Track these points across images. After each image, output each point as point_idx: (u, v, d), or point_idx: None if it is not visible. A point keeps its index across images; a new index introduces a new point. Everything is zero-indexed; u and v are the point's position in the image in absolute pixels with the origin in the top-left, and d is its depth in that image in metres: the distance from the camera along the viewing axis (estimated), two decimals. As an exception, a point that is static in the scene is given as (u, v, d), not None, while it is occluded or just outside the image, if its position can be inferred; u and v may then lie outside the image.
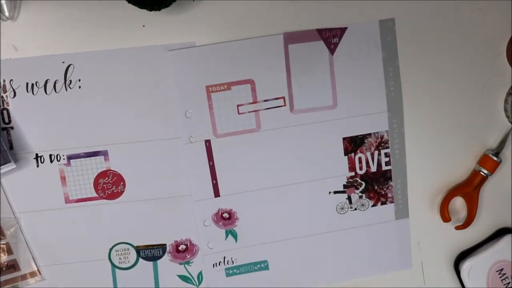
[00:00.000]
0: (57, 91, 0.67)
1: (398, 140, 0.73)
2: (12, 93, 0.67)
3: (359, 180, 0.73)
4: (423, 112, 0.73)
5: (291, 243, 0.74)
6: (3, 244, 0.70)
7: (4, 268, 0.70)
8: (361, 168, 0.73)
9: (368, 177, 0.73)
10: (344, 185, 0.73)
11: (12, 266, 0.71)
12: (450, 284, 0.79)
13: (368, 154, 0.73)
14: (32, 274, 0.71)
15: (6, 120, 0.67)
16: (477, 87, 0.74)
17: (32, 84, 0.67)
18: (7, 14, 0.65)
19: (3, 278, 0.70)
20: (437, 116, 0.73)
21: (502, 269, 0.75)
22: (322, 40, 0.69)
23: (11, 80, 0.67)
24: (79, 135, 0.69)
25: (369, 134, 0.72)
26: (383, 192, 0.74)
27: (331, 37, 0.69)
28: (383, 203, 0.74)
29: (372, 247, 0.76)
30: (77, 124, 0.68)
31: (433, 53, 0.72)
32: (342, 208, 0.74)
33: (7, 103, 0.67)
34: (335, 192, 0.73)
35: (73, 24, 0.66)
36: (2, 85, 0.66)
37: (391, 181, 0.74)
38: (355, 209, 0.74)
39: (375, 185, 0.74)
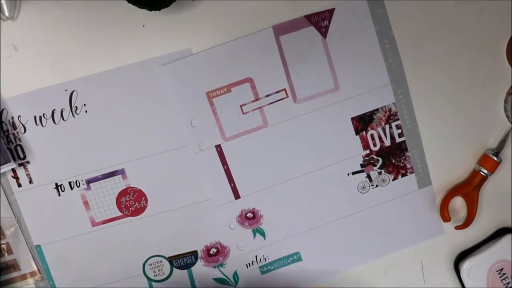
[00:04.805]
0: (65, 119, 0.69)
1: (407, 110, 0.72)
2: (22, 128, 0.69)
3: (375, 157, 0.73)
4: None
5: (320, 231, 0.74)
6: (3, 244, 0.71)
7: (4, 268, 0.72)
8: (375, 145, 0.72)
9: (383, 152, 0.73)
10: (361, 164, 0.73)
11: (12, 266, 0.72)
12: (450, 284, 0.78)
13: (380, 129, 0.72)
14: (32, 274, 0.73)
15: (21, 156, 0.69)
16: (477, 87, 0.73)
17: (40, 117, 0.68)
18: (7, 14, 0.66)
19: (3, 278, 0.72)
20: (437, 116, 0.73)
21: (502, 269, 0.75)
22: (312, 25, 0.69)
23: (19, 116, 0.68)
24: (94, 158, 0.70)
25: (377, 110, 0.72)
26: (401, 164, 0.73)
27: (320, 21, 0.69)
28: (403, 175, 0.73)
29: (401, 220, 0.75)
30: (90, 148, 0.70)
31: (433, 53, 0.72)
32: (364, 188, 0.73)
33: (19, 139, 0.69)
34: (354, 173, 0.73)
35: (73, 23, 0.67)
36: (11, 123, 0.68)
37: (407, 151, 0.73)
38: (377, 185, 0.73)
39: (392, 158, 0.73)
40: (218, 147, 0.71)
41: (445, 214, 0.74)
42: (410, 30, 0.71)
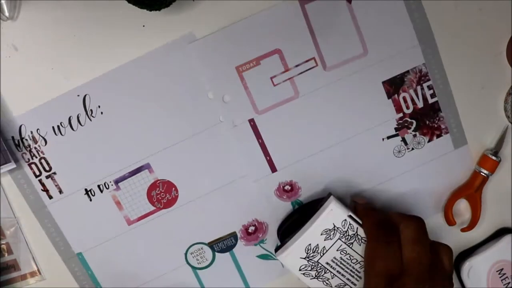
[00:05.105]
0: (82, 124, 0.66)
1: (438, 70, 0.69)
2: (43, 141, 0.66)
3: (409, 120, 0.71)
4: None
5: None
6: (3, 244, 0.70)
7: (4, 268, 0.71)
8: (407, 107, 0.70)
9: (417, 114, 0.71)
10: (395, 128, 0.71)
11: (12, 266, 0.71)
12: (450, 284, 0.81)
13: (411, 91, 0.70)
14: (32, 274, 0.72)
15: (47, 168, 0.66)
16: (477, 87, 0.71)
17: (58, 126, 0.66)
18: (7, 14, 0.63)
19: (3, 278, 0.72)
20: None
21: (502, 269, 0.75)
22: (336, -10, 0.65)
23: (38, 129, 0.65)
24: (117, 158, 0.67)
25: (407, 72, 0.69)
26: (436, 125, 0.72)
27: (345, -15, 0.65)
28: (438, 136, 0.72)
29: (439, 181, 0.74)
30: (112, 148, 0.67)
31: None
32: (399, 151, 0.72)
33: (41, 152, 0.66)
34: (388, 138, 0.71)
35: (73, 23, 0.64)
36: (31, 137, 0.65)
37: (441, 111, 0.71)
38: (412, 149, 0.72)
39: (426, 120, 0.71)
40: (252, 121, 0.68)
41: (450, 218, 0.74)
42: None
